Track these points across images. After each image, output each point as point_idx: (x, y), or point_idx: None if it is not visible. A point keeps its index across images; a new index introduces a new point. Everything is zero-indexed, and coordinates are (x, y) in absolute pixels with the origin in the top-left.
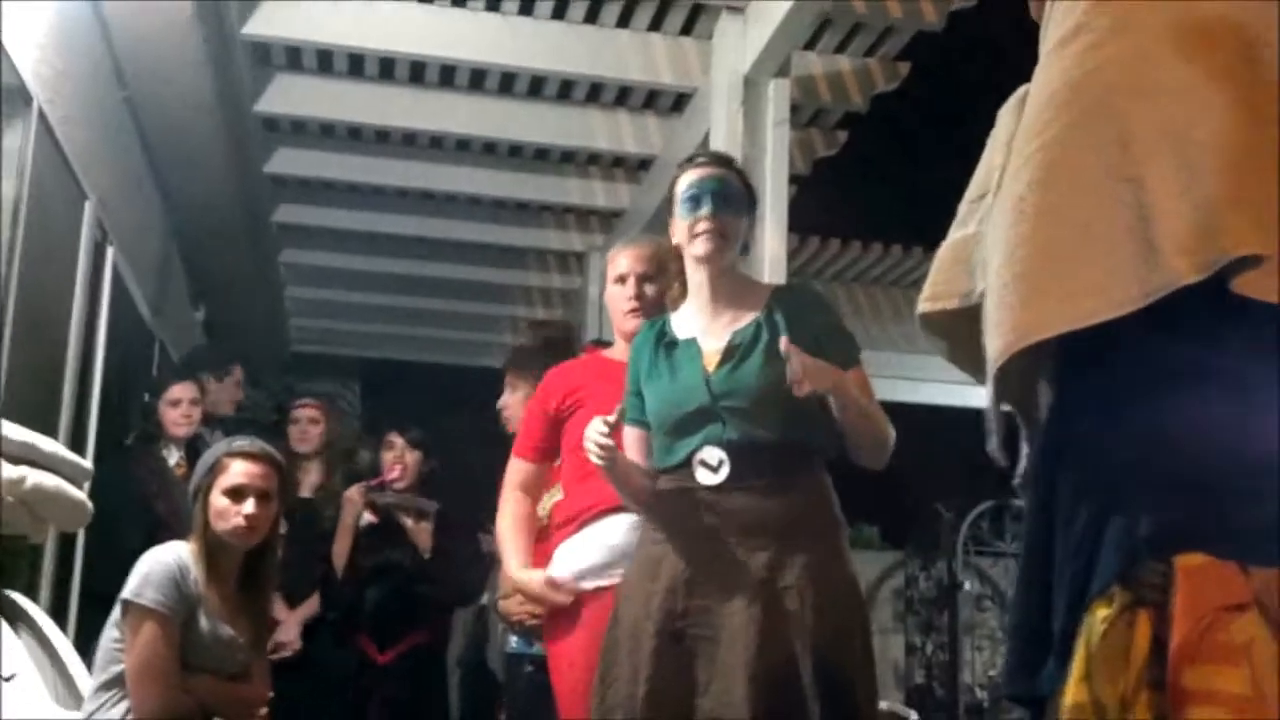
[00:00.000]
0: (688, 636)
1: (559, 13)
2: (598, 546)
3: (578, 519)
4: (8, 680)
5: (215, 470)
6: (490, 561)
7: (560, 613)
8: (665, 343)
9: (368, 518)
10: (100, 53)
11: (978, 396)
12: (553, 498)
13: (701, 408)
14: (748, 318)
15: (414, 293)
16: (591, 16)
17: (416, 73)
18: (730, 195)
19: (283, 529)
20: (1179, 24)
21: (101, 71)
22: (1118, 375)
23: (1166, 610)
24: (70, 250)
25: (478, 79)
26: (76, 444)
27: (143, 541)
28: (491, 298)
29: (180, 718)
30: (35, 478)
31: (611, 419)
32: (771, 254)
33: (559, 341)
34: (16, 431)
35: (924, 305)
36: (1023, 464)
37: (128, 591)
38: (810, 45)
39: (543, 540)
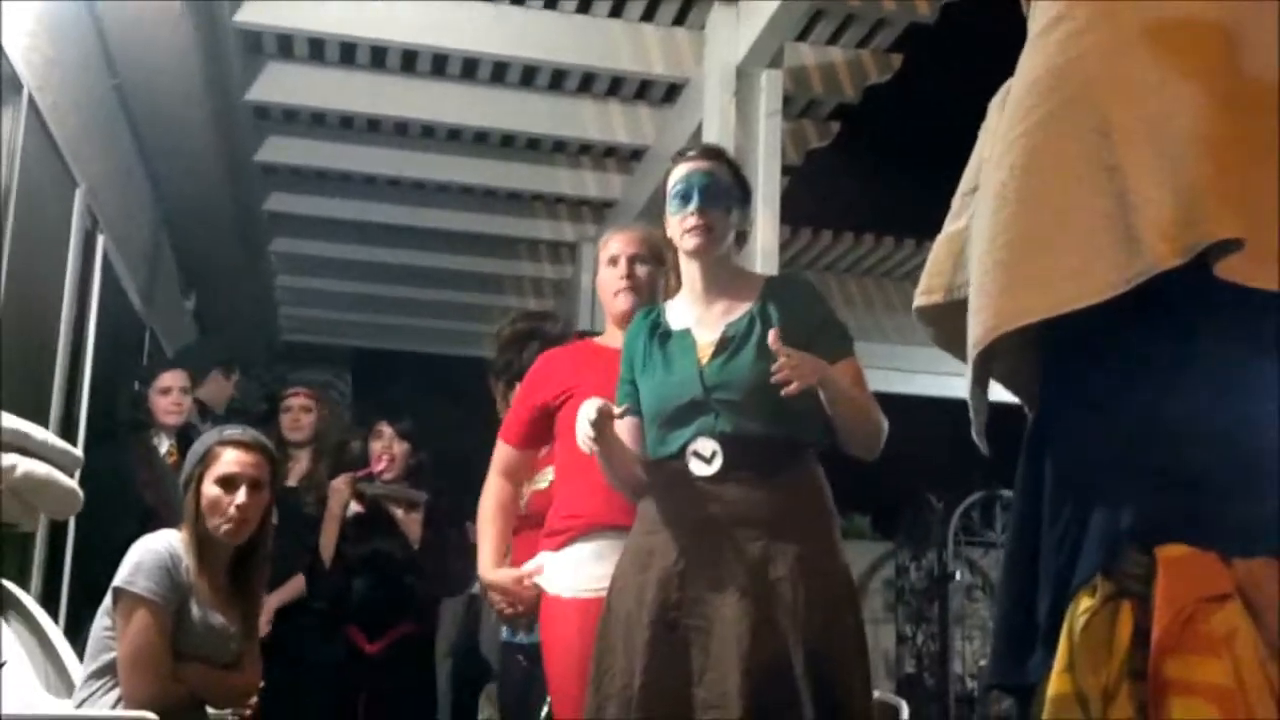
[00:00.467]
0: (681, 626)
1: (551, 3)
2: (586, 575)
3: (566, 533)
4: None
5: (207, 459)
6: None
7: (553, 603)
8: (659, 333)
9: (355, 507)
10: (91, 40)
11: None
12: (534, 486)
13: (695, 400)
14: (741, 309)
15: (405, 282)
16: (584, 6)
17: (408, 62)
18: (718, 189)
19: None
20: (1157, 19)
21: (92, 59)
22: (1100, 367)
23: (1149, 601)
24: (61, 238)
25: (470, 68)
26: (67, 432)
27: (134, 530)
28: (483, 287)
29: (171, 706)
30: (26, 465)
31: (617, 411)
32: (764, 245)
33: (524, 333)
34: (8, 419)
35: (919, 299)
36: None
37: (120, 579)
38: (803, 36)
39: (522, 529)
